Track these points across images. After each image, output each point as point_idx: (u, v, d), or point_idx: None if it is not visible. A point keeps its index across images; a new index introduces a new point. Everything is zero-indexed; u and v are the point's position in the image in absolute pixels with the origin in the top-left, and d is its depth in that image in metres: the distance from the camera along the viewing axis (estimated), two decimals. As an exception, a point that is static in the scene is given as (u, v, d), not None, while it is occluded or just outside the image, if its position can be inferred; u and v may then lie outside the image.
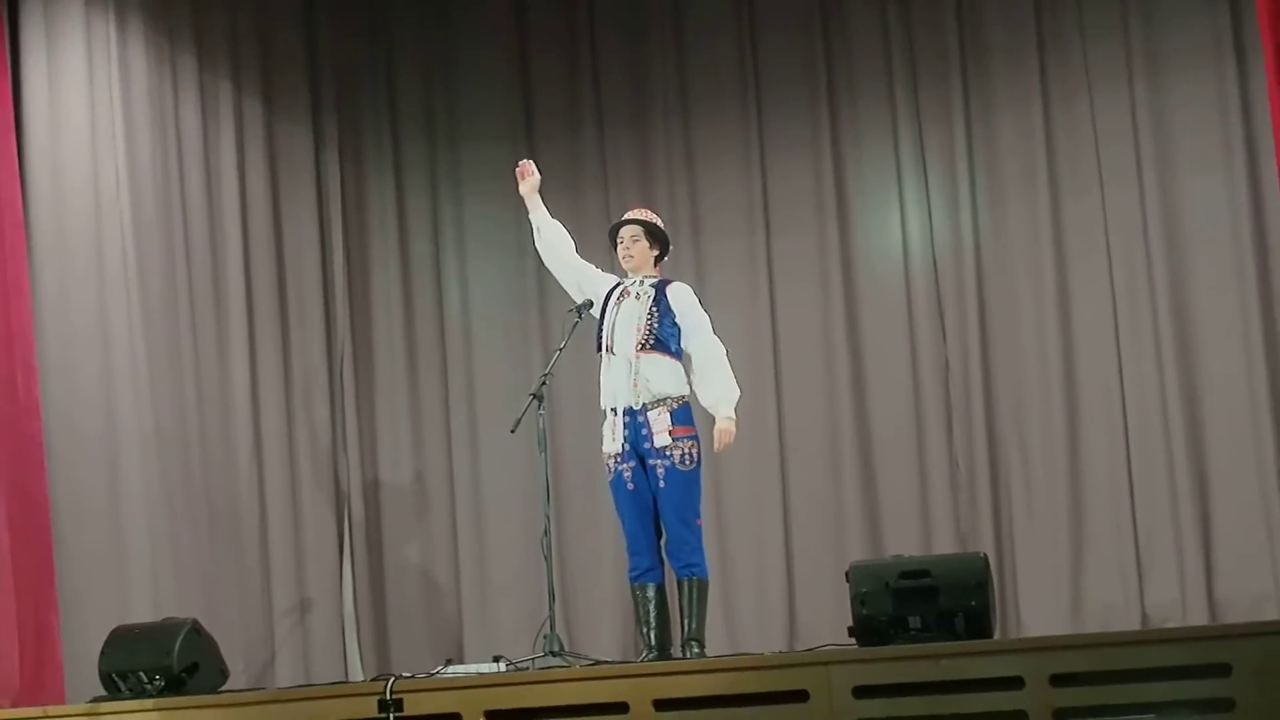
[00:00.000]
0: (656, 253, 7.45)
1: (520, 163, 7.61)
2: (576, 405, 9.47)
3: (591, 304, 7.55)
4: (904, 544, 8.73)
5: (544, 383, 7.53)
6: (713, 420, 7.25)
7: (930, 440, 9.19)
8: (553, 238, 7.50)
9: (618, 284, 7.41)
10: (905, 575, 6.44)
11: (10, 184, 7.94)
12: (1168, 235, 8.85)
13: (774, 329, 9.51)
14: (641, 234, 7.40)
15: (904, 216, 9.39)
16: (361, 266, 9.90)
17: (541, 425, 7.49)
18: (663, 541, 7.20)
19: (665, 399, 7.16)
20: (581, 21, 9.94)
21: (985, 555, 6.71)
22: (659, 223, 7.49)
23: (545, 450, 7.54)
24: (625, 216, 7.55)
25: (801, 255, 9.54)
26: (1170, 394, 8.74)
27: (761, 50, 9.64)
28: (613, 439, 7.21)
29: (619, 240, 7.44)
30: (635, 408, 7.15)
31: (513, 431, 7.51)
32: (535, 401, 7.48)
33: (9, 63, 8.08)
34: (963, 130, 9.26)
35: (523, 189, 7.55)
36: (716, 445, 7.22)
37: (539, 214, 7.53)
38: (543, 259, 7.59)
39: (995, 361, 9.17)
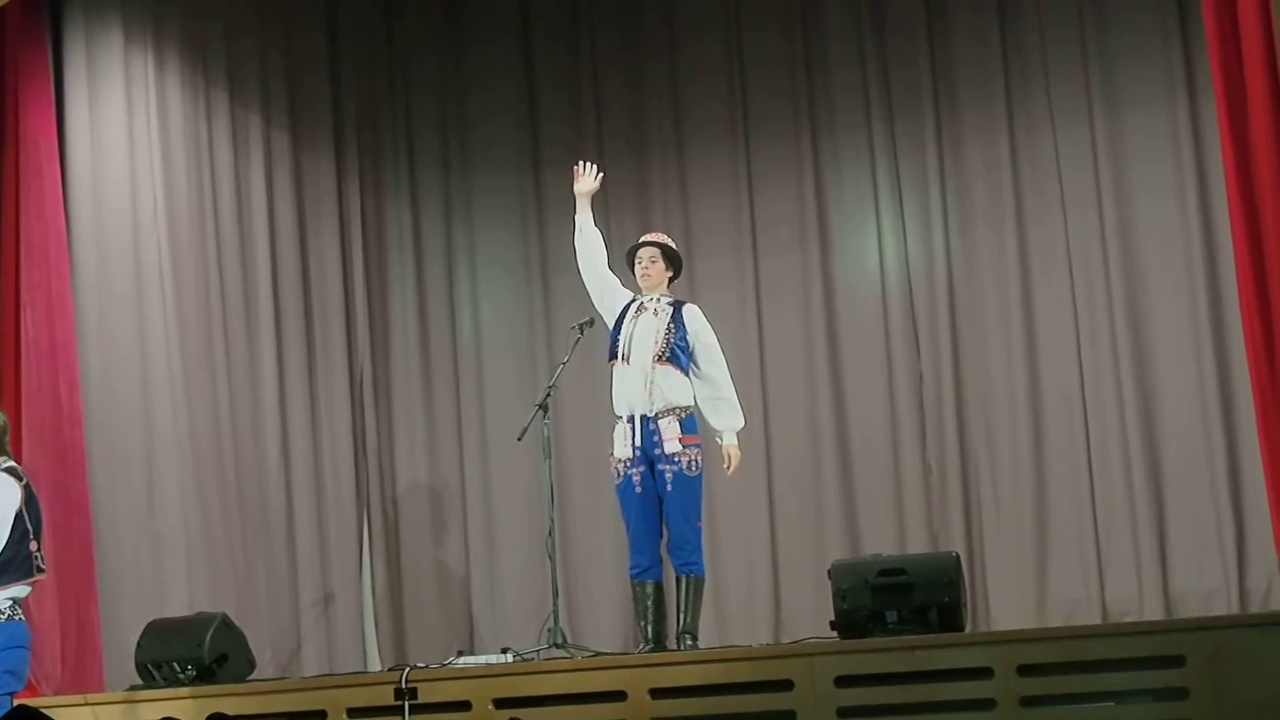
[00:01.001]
0: (670, 274, 7.45)
1: (586, 164, 7.52)
2: (579, 415, 9.47)
3: (594, 322, 7.57)
4: (881, 543, 8.71)
5: (548, 394, 7.52)
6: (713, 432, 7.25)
7: (905, 446, 9.14)
8: (592, 241, 7.45)
9: (634, 300, 7.38)
10: (883, 573, 6.46)
11: (55, 209, 7.94)
12: (1125, 256, 8.82)
13: (760, 343, 9.47)
14: (659, 255, 7.41)
15: (881, 239, 9.36)
16: (380, 287, 9.87)
17: (546, 434, 7.48)
18: (664, 541, 7.16)
19: (675, 408, 7.14)
20: (585, 62, 9.91)
21: (957, 554, 6.71)
22: (674, 246, 7.50)
23: (549, 457, 7.54)
24: (645, 239, 7.52)
25: (786, 275, 9.51)
26: (1127, 402, 8.70)
27: (750, 87, 9.61)
28: (624, 444, 7.16)
29: (637, 260, 7.43)
30: (650, 414, 7.10)
31: (519, 439, 7.52)
32: (540, 411, 7.47)
33: (54, 95, 8.09)
34: (935, 160, 9.23)
35: (581, 187, 7.46)
36: (730, 467, 7.25)
37: (585, 215, 7.46)
38: (577, 258, 7.50)
39: (965, 373, 9.13)
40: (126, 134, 8.30)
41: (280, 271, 9.14)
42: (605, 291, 7.44)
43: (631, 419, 7.15)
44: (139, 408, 8.13)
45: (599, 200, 8.83)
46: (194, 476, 8.29)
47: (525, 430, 7.46)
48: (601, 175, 7.51)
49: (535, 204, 9.94)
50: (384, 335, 9.84)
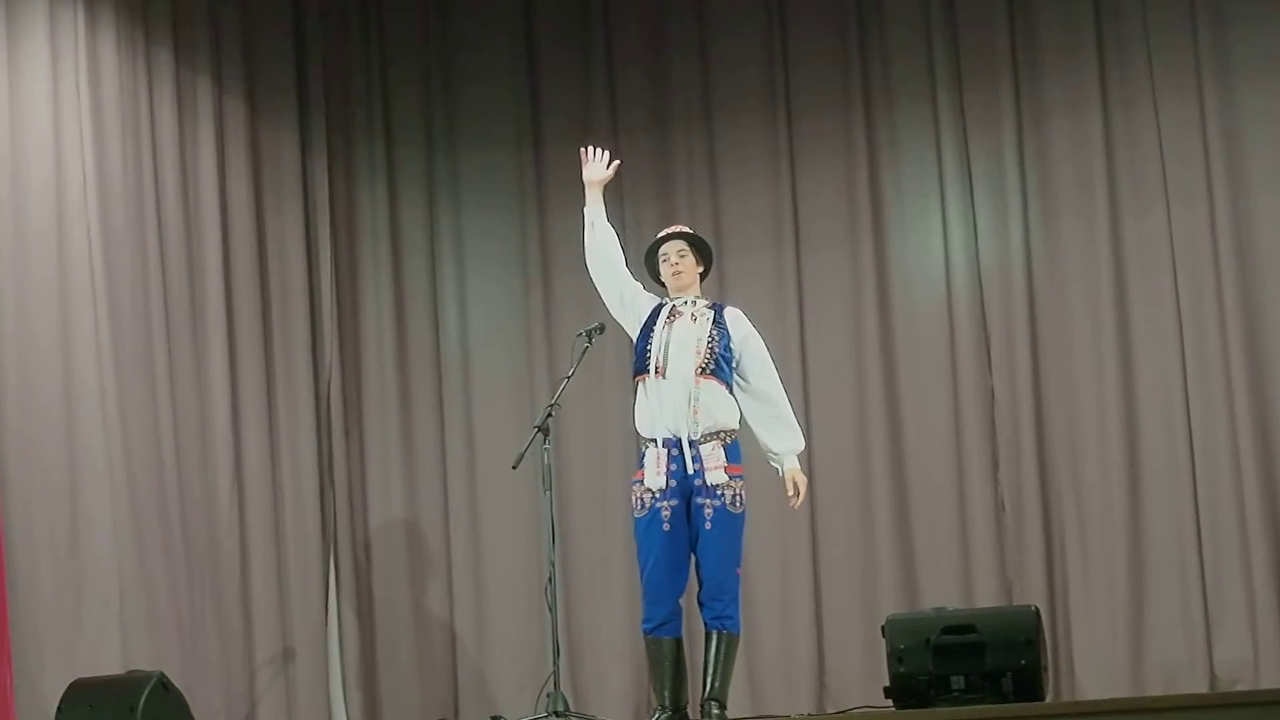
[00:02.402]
0: (701, 269, 7.43)
1: (594, 149, 7.52)
2: (585, 439, 9.48)
3: (604, 328, 7.55)
4: (944, 595, 8.68)
5: (550, 414, 7.51)
6: (755, 460, 7.22)
7: (973, 479, 9.15)
8: (605, 239, 7.45)
9: (662, 303, 7.35)
10: (948, 630, 6.47)
11: (-39, 185, 7.95)
12: (1239, 255, 8.80)
13: (803, 354, 9.48)
14: (689, 249, 7.40)
15: (946, 232, 9.36)
16: (351, 284, 9.88)
17: (546, 461, 7.48)
18: (696, 590, 7.13)
19: (720, 432, 7.12)
20: (595, 14, 9.93)
21: (1036, 608, 6.71)
22: (703, 237, 7.50)
23: (550, 489, 7.54)
24: (667, 231, 7.51)
25: (833, 274, 9.52)
26: (1242, 432, 8.68)
27: (791, 46, 9.63)
28: (658, 472, 7.12)
29: (662, 257, 7.41)
30: (694, 438, 7.08)
31: (515, 468, 7.51)
32: (540, 435, 7.46)
33: (-39, 51, 8.10)
34: (1013, 138, 9.23)
35: (592, 174, 7.47)
36: (795, 501, 7.21)
37: (597, 209, 7.45)
38: (587, 258, 7.50)
39: (1047, 393, 9.12)
40: (50, 98, 8.26)
41: (233, 265, 9.13)
42: (626, 294, 7.43)
43: (668, 443, 7.10)
44: (61, 425, 8.09)
45: (611, 187, 8.82)
46: (128, 508, 8.25)
47: (522, 457, 7.46)
48: (618, 164, 7.46)
49: (534, 187, 9.97)
50: (355, 342, 9.84)
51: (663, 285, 7.44)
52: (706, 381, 7.12)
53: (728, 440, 7.12)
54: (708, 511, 7.05)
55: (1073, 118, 9.12)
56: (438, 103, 10.09)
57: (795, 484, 7.20)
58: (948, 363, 9.27)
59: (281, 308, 9.40)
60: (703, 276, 7.46)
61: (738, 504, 7.08)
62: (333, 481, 9.58)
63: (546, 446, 7.48)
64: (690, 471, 7.07)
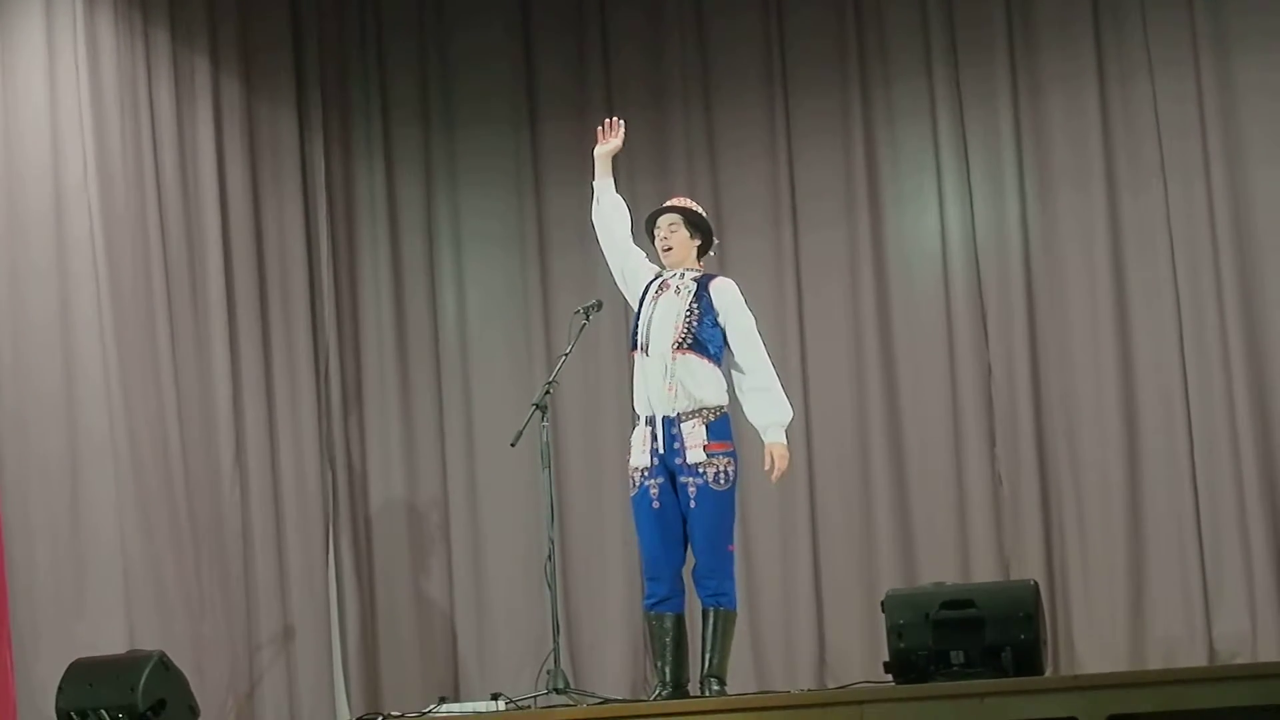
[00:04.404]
0: (699, 243, 7.36)
1: (613, 121, 7.47)
2: (583, 417, 9.48)
3: (602, 305, 7.57)
4: (942, 570, 8.70)
5: (548, 391, 7.49)
6: (753, 436, 7.15)
7: (971, 455, 9.14)
8: (612, 212, 7.41)
9: (656, 276, 7.32)
10: (947, 605, 6.45)
11: (-43, 166, 7.95)
12: (1237, 230, 8.78)
13: (801, 332, 9.48)
14: (681, 223, 7.33)
15: (943, 209, 9.35)
16: (349, 263, 9.88)
17: (545, 438, 7.46)
18: (690, 567, 7.11)
19: (702, 409, 7.04)
20: (591, -5, 9.93)
21: (1035, 583, 6.68)
22: (700, 210, 7.42)
23: (549, 466, 7.51)
24: (664, 204, 7.44)
25: (830, 252, 9.51)
26: (1240, 406, 8.67)
27: (788, 24, 9.61)
28: (642, 451, 7.10)
29: (656, 230, 7.36)
30: (670, 416, 7.02)
31: (513, 445, 7.49)
32: (538, 412, 7.45)
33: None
34: (1009, 113, 9.21)
35: (601, 149, 7.43)
36: (774, 475, 7.10)
37: (604, 181, 7.42)
38: (596, 231, 7.47)
39: (1044, 368, 9.12)
40: (47, 79, 8.25)
41: (232, 245, 9.11)
42: (627, 269, 7.40)
43: (651, 420, 7.06)
44: (61, 405, 8.08)
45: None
46: (130, 489, 8.24)
47: (520, 435, 7.44)
48: (623, 125, 7.44)
49: (531, 166, 9.96)
50: (353, 321, 9.83)
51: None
52: (684, 356, 7.05)
53: (712, 417, 7.03)
54: (691, 490, 7.00)
55: (1069, 93, 9.11)
56: (435, 82, 10.09)
57: (774, 458, 7.08)
58: (945, 339, 9.26)
59: (281, 287, 9.39)
60: (703, 250, 7.38)
61: (721, 481, 6.99)
62: (333, 461, 9.58)
63: (545, 424, 7.46)
64: (672, 450, 7.03)
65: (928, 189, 9.37)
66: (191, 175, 8.96)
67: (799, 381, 9.33)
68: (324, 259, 9.67)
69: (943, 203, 9.34)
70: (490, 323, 9.98)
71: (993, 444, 9.13)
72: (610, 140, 7.43)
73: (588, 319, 7.52)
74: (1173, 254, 8.89)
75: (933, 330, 9.29)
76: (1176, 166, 8.91)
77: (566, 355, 7.53)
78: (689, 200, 7.52)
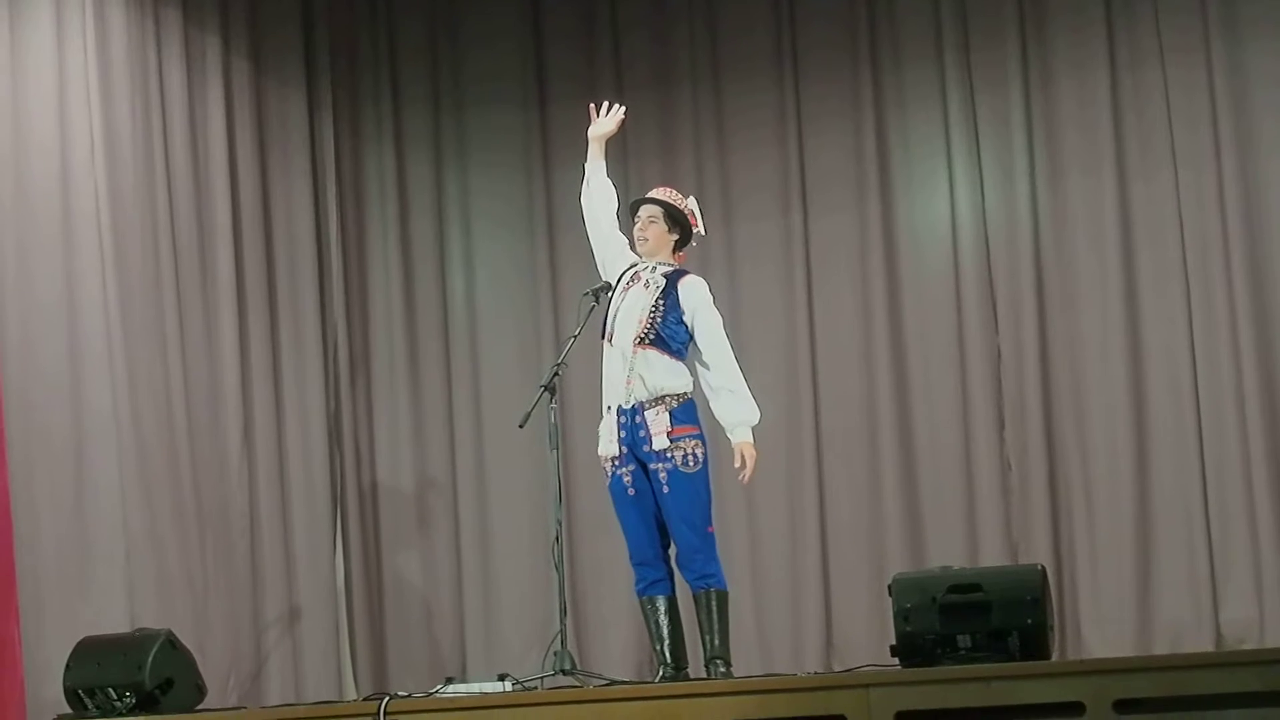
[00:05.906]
0: (676, 238, 7.32)
1: (606, 104, 7.45)
2: (592, 398, 9.33)
3: (610, 286, 7.48)
4: (950, 554, 8.71)
5: (556, 373, 7.46)
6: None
7: (980, 439, 9.16)
8: (600, 197, 7.38)
9: (631, 266, 7.29)
10: (954, 589, 6.44)
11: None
12: (1247, 218, 8.77)
13: (810, 318, 9.50)
14: (660, 215, 7.28)
15: (953, 194, 9.36)
16: (358, 245, 9.88)
17: (553, 420, 7.44)
18: (672, 553, 7.10)
19: (663, 397, 7.03)
20: (601, -27, 9.94)
21: (1042, 567, 6.67)
22: (682, 206, 7.35)
23: (557, 448, 7.47)
24: (647, 195, 7.42)
25: (840, 237, 9.52)
26: (1248, 392, 8.67)
27: (798, 7, 9.62)
28: (610, 440, 7.12)
29: (636, 218, 7.33)
30: (626, 407, 7.04)
31: (521, 426, 7.47)
32: (546, 394, 7.42)
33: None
34: (1020, 98, 9.21)
35: (595, 130, 7.39)
36: (744, 476, 7.07)
37: (596, 164, 7.38)
38: (583, 213, 7.45)
39: (1053, 353, 9.13)
40: (56, 56, 8.26)
41: (241, 225, 9.12)
42: (607, 256, 7.38)
43: (613, 410, 7.10)
44: (67, 383, 8.10)
45: (615, 146, 8.80)
46: (136, 468, 8.27)
47: (528, 416, 7.42)
48: (624, 110, 7.41)
49: (540, 146, 9.97)
50: (362, 302, 9.84)
51: None
52: (644, 352, 7.04)
53: (674, 404, 7.01)
54: (662, 476, 6.98)
55: (1080, 79, 9.11)
56: (444, 63, 10.09)
57: (744, 457, 7.04)
58: (954, 324, 9.28)
59: (289, 267, 9.40)
60: (680, 244, 7.33)
61: (691, 463, 6.96)
62: (340, 441, 9.59)
63: (553, 406, 7.44)
64: (638, 438, 7.02)
65: (938, 174, 9.39)
66: (201, 155, 8.97)
67: (809, 366, 9.36)
68: (333, 239, 9.68)
69: (953, 188, 9.36)
70: (499, 304, 9.99)
71: (1001, 428, 9.15)
72: (605, 123, 7.40)
73: (597, 301, 7.48)
74: (1183, 241, 8.89)
75: (942, 315, 9.30)
76: (1187, 154, 8.91)
77: (575, 337, 7.50)
78: (675, 192, 7.40)
